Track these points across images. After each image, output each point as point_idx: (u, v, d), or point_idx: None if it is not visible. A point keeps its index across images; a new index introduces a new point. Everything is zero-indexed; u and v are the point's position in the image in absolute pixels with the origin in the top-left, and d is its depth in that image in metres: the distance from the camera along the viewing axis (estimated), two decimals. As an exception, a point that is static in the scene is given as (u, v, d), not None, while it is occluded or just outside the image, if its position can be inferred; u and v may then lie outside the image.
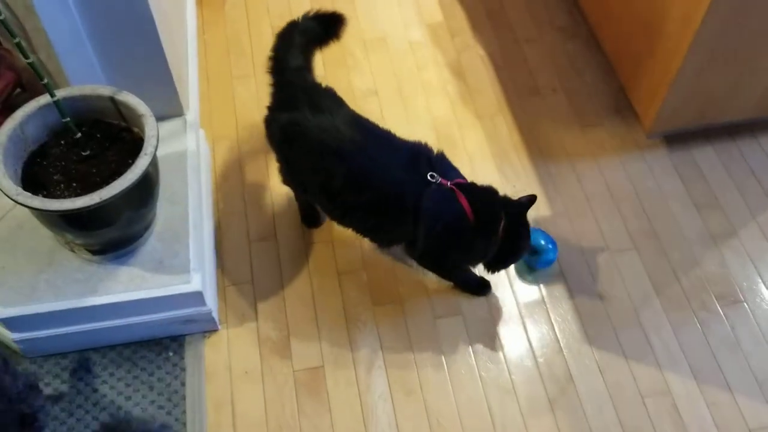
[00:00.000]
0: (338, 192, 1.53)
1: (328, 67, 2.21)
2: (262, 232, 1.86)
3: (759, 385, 1.64)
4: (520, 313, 1.75)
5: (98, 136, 1.50)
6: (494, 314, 1.74)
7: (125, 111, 1.48)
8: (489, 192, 1.58)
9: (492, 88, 2.18)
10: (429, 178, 1.49)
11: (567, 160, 2.03)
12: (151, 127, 1.41)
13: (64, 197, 1.38)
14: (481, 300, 1.76)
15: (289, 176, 1.71)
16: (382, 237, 1.67)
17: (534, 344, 1.70)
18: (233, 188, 1.94)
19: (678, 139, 2.07)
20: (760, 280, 1.81)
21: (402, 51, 2.28)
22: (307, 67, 1.65)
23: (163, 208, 1.62)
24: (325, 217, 1.85)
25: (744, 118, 2.05)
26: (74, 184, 1.42)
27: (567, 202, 1.94)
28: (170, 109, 1.75)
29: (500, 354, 1.68)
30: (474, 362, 1.67)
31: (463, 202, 1.49)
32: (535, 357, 1.68)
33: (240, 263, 1.81)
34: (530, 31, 2.32)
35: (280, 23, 1.70)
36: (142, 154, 1.38)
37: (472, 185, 1.58)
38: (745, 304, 1.77)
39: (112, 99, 1.47)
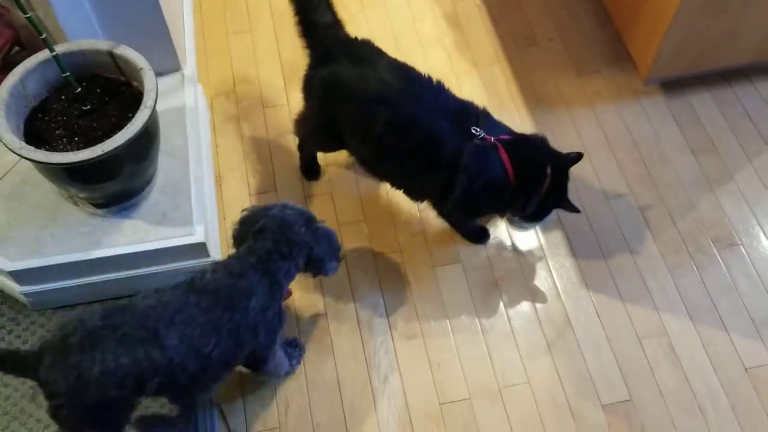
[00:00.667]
0: (379, 138, 1.52)
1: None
2: (262, 186, 1.88)
3: (755, 326, 1.68)
4: (518, 260, 1.78)
5: (98, 91, 1.50)
6: (492, 262, 1.77)
7: (124, 65, 1.48)
8: (534, 148, 1.56)
9: (489, 39, 2.17)
10: (473, 131, 1.49)
11: (564, 109, 2.03)
12: (150, 81, 1.42)
13: (67, 151, 1.40)
14: (479, 248, 1.79)
15: (322, 129, 1.69)
16: (416, 189, 1.66)
17: (531, 290, 1.73)
18: (232, 143, 1.95)
19: (675, 85, 2.07)
20: (756, 223, 1.83)
21: (398, 3, 2.27)
22: (337, 22, 1.61)
23: (163, 163, 1.63)
24: (321, 171, 1.89)
25: (740, 64, 2.05)
26: (76, 139, 1.44)
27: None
28: (168, 64, 1.75)
29: (499, 300, 1.72)
30: (473, 308, 1.70)
31: (505, 160, 1.49)
32: (533, 302, 1.71)
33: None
34: (527, -20, 2.31)
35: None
36: (141, 107, 1.39)
37: (518, 141, 1.56)
38: (742, 247, 1.80)
39: (110, 53, 1.47)
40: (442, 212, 1.71)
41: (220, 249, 1.74)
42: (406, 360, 1.63)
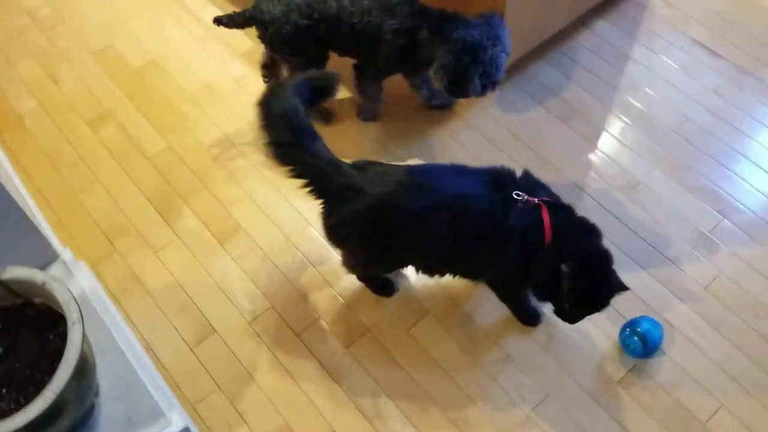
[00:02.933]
0: (448, 242, 1.45)
1: (168, 136, 2.05)
2: (198, 333, 1.71)
3: (692, 247, 1.84)
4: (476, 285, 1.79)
5: (-3, 327, 1.27)
6: (456, 298, 1.77)
7: (18, 287, 1.27)
8: (580, 226, 1.49)
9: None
10: (515, 196, 1.44)
11: (438, 127, 2.07)
12: (61, 291, 1.23)
13: (6, 411, 1.16)
14: (439, 292, 1.78)
15: (382, 259, 1.60)
16: (488, 271, 1.58)
17: (501, 306, 1.74)
18: (142, 305, 1.76)
19: (516, 68, 2.20)
20: (643, 162, 2.00)
21: (232, 91, 2.17)
22: (334, 160, 1.48)
23: (99, 364, 1.42)
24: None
25: (561, 26, 2.22)
26: (4, 391, 1.20)
27: (455, 161, 1.99)
28: (45, 256, 1.53)
29: (478, 331, 1.72)
30: (464, 349, 1.69)
31: (546, 219, 1.42)
32: (510, 317, 1.74)
33: (196, 376, 1.66)
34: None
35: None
36: (69, 324, 1.19)
37: (563, 210, 1.49)
38: (643, 185, 1.95)
39: (-5, 281, 1.25)
40: (503, 293, 1.67)
41: (196, 426, 1.57)
42: (426, 424, 1.58)
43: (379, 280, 1.76)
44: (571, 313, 1.47)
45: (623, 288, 1.44)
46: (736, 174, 1.97)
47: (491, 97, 2.13)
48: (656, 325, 1.65)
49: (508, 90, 2.15)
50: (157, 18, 2.37)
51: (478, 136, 2.05)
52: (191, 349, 1.69)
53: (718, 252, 1.83)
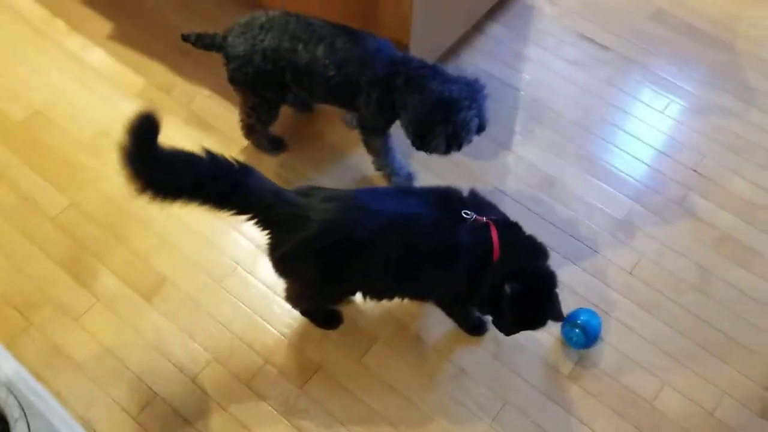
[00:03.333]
0: (397, 264, 1.43)
1: (68, 192, 1.90)
2: (138, 400, 1.60)
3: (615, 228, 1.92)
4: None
5: None
6: (397, 316, 1.76)
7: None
8: (530, 250, 1.49)
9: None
10: (464, 215, 1.43)
11: (353, 155, 2.05)
12: (11, 406, 1.11)
13: None
14: (385, 314, 1.76)
15: (331, 288, 1.55)
16: (438, 290, 1.56)
17: (435, 311, 1.76)
18: (71, 378, 1.62)
19: (447, 57, 2.25)
20: (555, 158, 2.08)
21: (131, 134, 2.05)
22: (278, 189, 1.44)
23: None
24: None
25: (459, 36, 2.26)
26: None
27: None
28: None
29: (424, 346, 1.72)
30: (417, 370, 1.69)
31: (494, 237, 1.43)
32: (454, 325, 1.75)
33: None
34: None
35: None
36: (11, 423, 1.08)
37: (511, 230, 1.50)
38: (557, 182, 2.02)
39: None
40: (451, 309, 1.67)
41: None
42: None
43: (324, 313, 1.72)
44: (509, 329, 1.50)
45: (560, 318, 1.48)
46: (638, 159, 2.09)
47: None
48: (593, 314, 1.72)
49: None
50: (35, 65, 2.19)
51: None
52: (134, 419, 1.58)
53: (635, 236, 1.93)
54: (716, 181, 2.06)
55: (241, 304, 1.75)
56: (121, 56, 2.20)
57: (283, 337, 1.71)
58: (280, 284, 1.66)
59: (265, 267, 1.75)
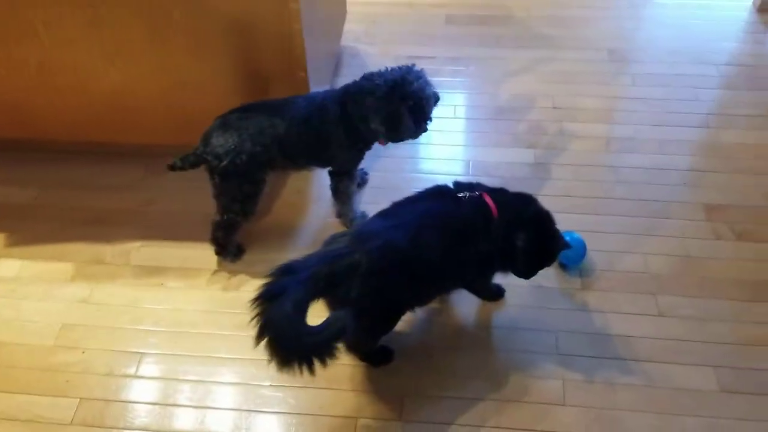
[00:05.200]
0: (440, 254, 1.60)
1: (66, 392, 1.78)
2: None
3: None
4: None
5: None
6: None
7: None
8: (520, 201, 1.73)
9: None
10: (459, 196, 1.64)
11: (291, 224, 2.18)
12: None
13: None
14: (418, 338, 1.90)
15: (395, 307, 1.67)
16: (473, 267, 1.72)
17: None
18: None
19: None
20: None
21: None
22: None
23: None
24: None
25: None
26: None
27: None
28: None
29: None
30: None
31: (489, 201, 1.65)
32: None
33: None
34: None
35: None
36: None
37: (501, 192, 1.73)
38: (472, 161, 2.33)
39: None
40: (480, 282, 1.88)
41: None
42: None
43: (379, 350, 1.82)
44: (529, 273, 1.75)
45: (567, 246, 1.76)
46: (517, 118, 2.48)
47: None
48: (571, 233, 1.99)
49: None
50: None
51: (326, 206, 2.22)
52: None
53: (551, 170, 2.29)
54: (572, 107, 2.52)
55: None
56: (32, 255, 2.12)
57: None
58: None
59: None
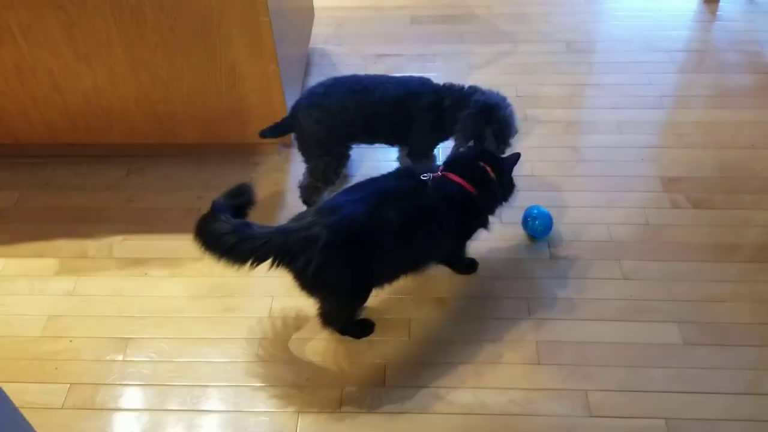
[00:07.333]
0: (403, 229, 1.67)
1: (56, 378, 1.82)
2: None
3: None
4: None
5: None
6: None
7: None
8: (473, 159, 1.81)
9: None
10: (423, 178, 1.71)
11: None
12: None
13: None
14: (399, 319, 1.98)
15: (362, 280, 1.72)
16: (445, 239, 1.82)
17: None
18: None
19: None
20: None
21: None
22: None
23: None
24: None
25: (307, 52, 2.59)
26: None
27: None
28: None
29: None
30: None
31: (459, 181, 1.73)
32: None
33: None
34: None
35: None
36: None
37: (456, 163, 1.80)
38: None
39: None
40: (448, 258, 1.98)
41: None
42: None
43: (359, 323, 1.89)
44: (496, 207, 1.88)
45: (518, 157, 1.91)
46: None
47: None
48: (538, 206, 2.11)
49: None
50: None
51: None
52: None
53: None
54: (534, 95, 2.64)
55: None
56: (16, 253, 2.15)
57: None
58: None
59: None
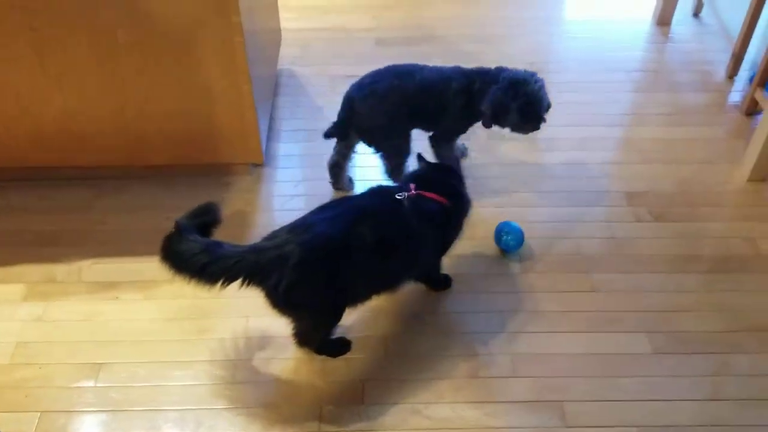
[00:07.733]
0: (377, 247, 1.66)
1: (26, 406, 1.77)
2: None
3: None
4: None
5: None
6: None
7: None
8: (441, 175, 1.89)
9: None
10: (398, 197, 1.73)
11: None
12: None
13: None
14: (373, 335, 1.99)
15: (335, 299, 1.72)
16: (421, 257, 1.86)
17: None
18: None
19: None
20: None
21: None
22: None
23: None
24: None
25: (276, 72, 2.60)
26: None
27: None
28: None
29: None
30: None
31: (433, 197, 1.77)
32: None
33: None
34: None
35: None
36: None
37: (426, 179, 1.83)
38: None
39: None
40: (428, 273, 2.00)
41: None
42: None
43: (335, 341, 1.89)
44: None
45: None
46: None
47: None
48: (509, 223, 2.15)
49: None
50: None
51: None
52: None
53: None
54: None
55: None
56: (-21, 280, 2.11)
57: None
58: None
59: None
